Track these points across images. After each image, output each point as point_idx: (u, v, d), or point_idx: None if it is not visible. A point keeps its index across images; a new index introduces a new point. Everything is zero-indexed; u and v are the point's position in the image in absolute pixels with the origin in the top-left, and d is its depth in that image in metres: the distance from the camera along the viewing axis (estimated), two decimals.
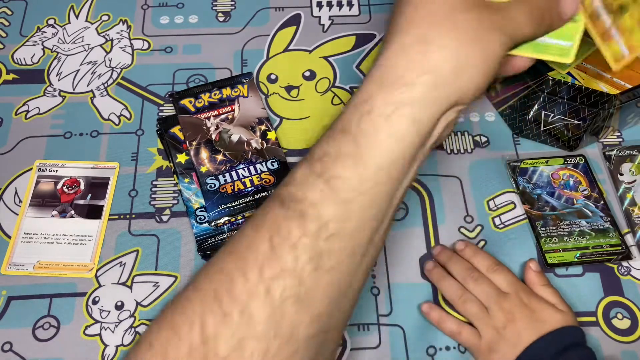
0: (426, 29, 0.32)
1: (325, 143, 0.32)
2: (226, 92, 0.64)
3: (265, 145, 0.62)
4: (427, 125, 0.31)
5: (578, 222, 0.58)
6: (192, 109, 0.63)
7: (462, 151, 0.64)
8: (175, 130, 0.63)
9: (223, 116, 0.63)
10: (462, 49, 0.31)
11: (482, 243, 0.58)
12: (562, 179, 0.61)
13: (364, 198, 0.30)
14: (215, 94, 0.64)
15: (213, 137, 0.62)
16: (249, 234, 0.31)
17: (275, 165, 0.61)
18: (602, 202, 0.60)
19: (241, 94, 0.64)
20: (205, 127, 0.62)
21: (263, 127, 0.63)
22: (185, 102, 0.63)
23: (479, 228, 0.59)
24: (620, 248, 0.57)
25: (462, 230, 0.59)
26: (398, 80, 0.31)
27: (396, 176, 0.31)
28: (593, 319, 0.54)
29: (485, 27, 0.32)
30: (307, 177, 0.31)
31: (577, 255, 0.56)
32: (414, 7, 0.32)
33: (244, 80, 0.66)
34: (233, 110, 0.63)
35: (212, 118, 0.63)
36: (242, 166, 0.61)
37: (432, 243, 0.58)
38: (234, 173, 0.60)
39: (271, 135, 0.63)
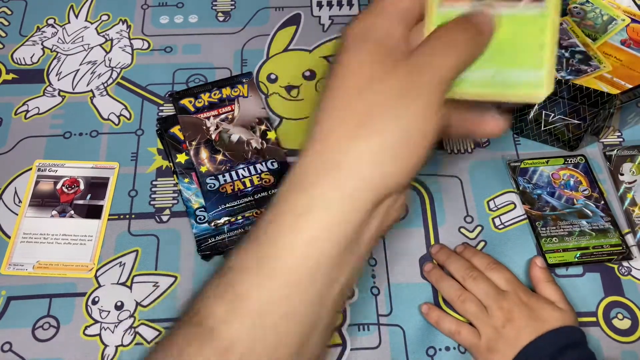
0: (340, 125, 0.30)
1: (234, 254, 0.30)
2: (226, 92, 0.64)
3: (265, 145, 0.62)
4: (347, 225, 0.29)
5: (578, 222, 0.58)
6: (192, 109, 0.63)
7: (462, 151, 0.64)
8: (175, 130, 0.63)
9: (223, 116, 0.63)
10: (381, 137, 0.29)
11: (481, 244, 0.58)
12: (563, 179, 0.61)
13: (277, 313, 0.28)
14: (215, 94, 0.64)
15: (213, 137, 0.62)
16: (159, 357, 0.29)
17: (275, 165, 0.61)
18: (602, 202, 0.59)
19: (241, 94, 0.64)
20: (205, 127, 0.62)
21: (263, 127, 0.63)
22: (185, 102, 0.63)
23: (479, 228, 0.59)
24: (621, 248, 0.57)
25: (462, 230, 0.59)
26: (306, 184, 0.30)
27: (320, 280, 0.29)
28: (593, 319, 0.54)
29: (410, 93, 0.29)
30: (213, 292, 0.29)
31: (578, 255, 0.56)
32: (328, 102, 0.30)
33: (244, 80, 0.66)
34: (233, 110, 0.63)
35: (211, 118, 0.63)
36: (242, 166, 0.60)
37: (432, 243, 0.58)
38: (233, 173, 0.60)
39: (271, 135, 0.63)
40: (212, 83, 0.67)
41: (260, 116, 0.64)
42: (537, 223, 0.58)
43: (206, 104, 0.64)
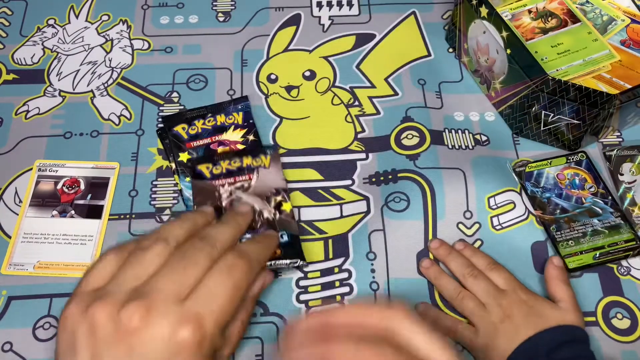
0: None
1: None
2: (247, 160, 0.60)
3: (277, 216, 0.57)
4: None
5: (590, 222, 0.58)
6: (208, 175, 0.59)
7: (463, 147, 0.64)
8: (179, 129, 0.63)
9: (239, 184, 0.59)
10: None
11: (478, 243, 0.58)
12: (568, 179, 0.61)
13: None
14: (235, 162, 0.60)
15: (224, 204, 0.58)
16: None
17: (285, 237, 0.56)
18: (610, 197, 0.59)
19: (262, 165, 0.60)
20: (217, 194, 0.58)
21: (279, 198, 0.58)
22: (202, 167, 0.59)
23: (476, 226, 0.59)
24: (634, 242, 0.57)
25: (460, 226, 0.59)
26: None
27: None
28: (593, 319, 0.54)
29: None
30: None
31: (596, 255, 0.56)
32: None
33: (269, 152, 0.61)
34: (250, 179, 0.59)
35: (227, 185, 0.59)
36: (247, 235, 0.53)
37: (430, 238, 0.58)
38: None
39: (286, 206, 0.58)
40: (207, 107, 0.64)
41: (279, 187, 0.59)
42: (551, 228, 0.58)
43: (224, 171, 0.60)
